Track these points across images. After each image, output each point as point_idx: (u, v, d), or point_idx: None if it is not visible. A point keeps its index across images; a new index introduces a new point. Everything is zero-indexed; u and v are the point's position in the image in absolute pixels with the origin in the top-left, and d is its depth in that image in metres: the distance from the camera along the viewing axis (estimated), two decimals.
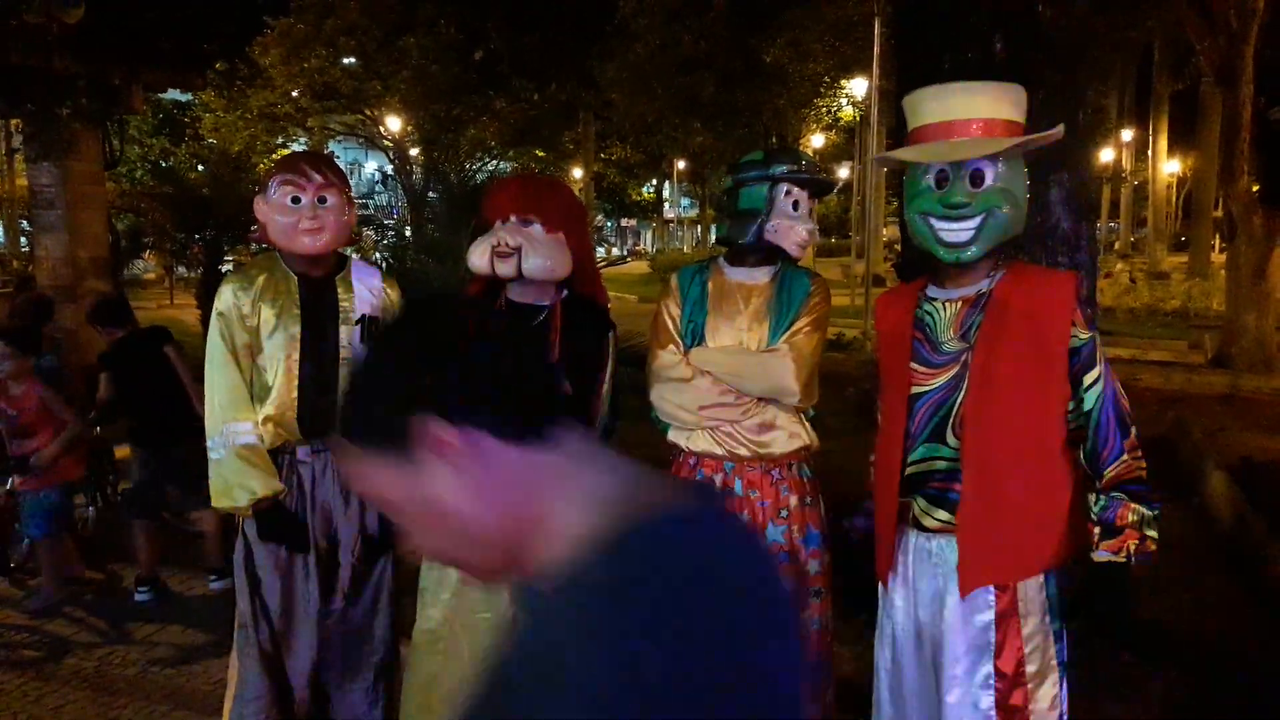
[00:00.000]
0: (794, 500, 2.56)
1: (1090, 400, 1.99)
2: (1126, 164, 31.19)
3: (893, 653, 2.21)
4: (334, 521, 2.72)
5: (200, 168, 17.69)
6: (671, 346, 2.62)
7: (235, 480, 2.57)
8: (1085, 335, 1.97)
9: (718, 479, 2.57)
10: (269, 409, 2.61)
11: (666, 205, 48.78)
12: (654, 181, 38.35)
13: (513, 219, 2.57)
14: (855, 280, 18.53)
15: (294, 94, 19.48)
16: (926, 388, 2.05)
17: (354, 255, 2.88)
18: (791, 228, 2.56)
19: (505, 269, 2.54)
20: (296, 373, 2.62)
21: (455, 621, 2.65)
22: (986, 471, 1.97)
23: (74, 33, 7.69)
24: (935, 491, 2.05)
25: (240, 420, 2.59)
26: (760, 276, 2.61)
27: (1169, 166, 29.61)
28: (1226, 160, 10.59)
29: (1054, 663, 2.03)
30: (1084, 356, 1.97)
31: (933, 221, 2.02)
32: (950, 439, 2.02)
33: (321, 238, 2.61)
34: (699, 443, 2.58)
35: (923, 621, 2.11)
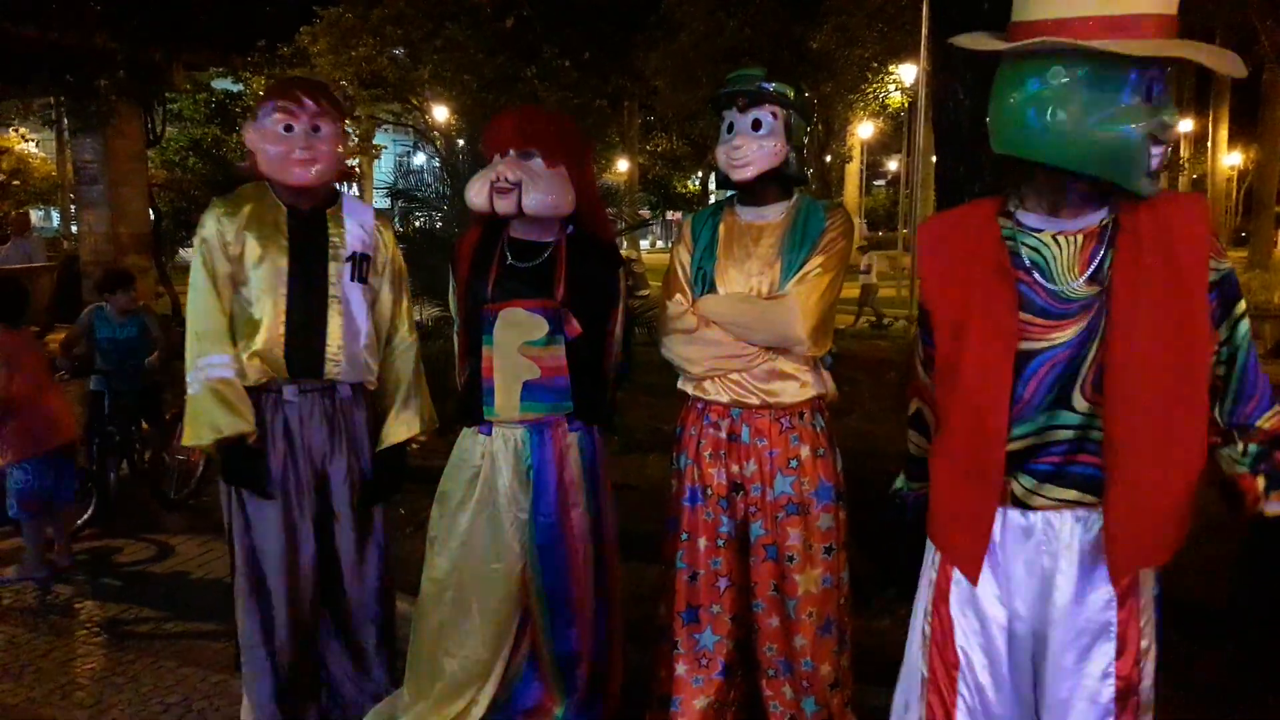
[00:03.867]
0: (805, 451, 2.41)
1: (1240, 336, 1.65)
2: (1184, 155, 30.33)
3: (969, 650, 1.83)
4: (323, 465, 2.61)
5: None
6: (679, 296, 2.49)
7: (205, 417, 2.45)
8: (1226, 265, 1.64)
9: (724, 425, 2.43)
10: (256, 344, 2.49)
11: (712, 198, 48.62)
12: (699, 174, 38.11)
13: (512, 152, 2.43)
14: (902, 273, 18.26)
15: (342, 83, 19.68)
16: (1045, 343, 1.65)
17: (348, 192, 2.74)
18: (725, 154, 2.40)
19: (505, 205, 2.40)
20: (284, 308, 2.49)
21: (464, 571, 2.57)
22: (1137, 440, 1.62)
23: (114, 11, 7.75)
24: (1050, 467, 1.69)
25: (216, 353, 2.47)
26: (771, 215, 2.45)
27: (1229, 159, 28.75)
28: None
29: (1156, 633, 1.77)
30: (1228, 288, 1.64)
31: (1152, 147, 1.57)
32: (1079, 403, 1.65)
33: (313, 169, 2.48)
34: (706, 389, 2.45)
35: (1019, 611, 1.77)
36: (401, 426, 2.69)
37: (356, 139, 29.12)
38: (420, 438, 2.75)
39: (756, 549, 2.44)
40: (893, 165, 38.25)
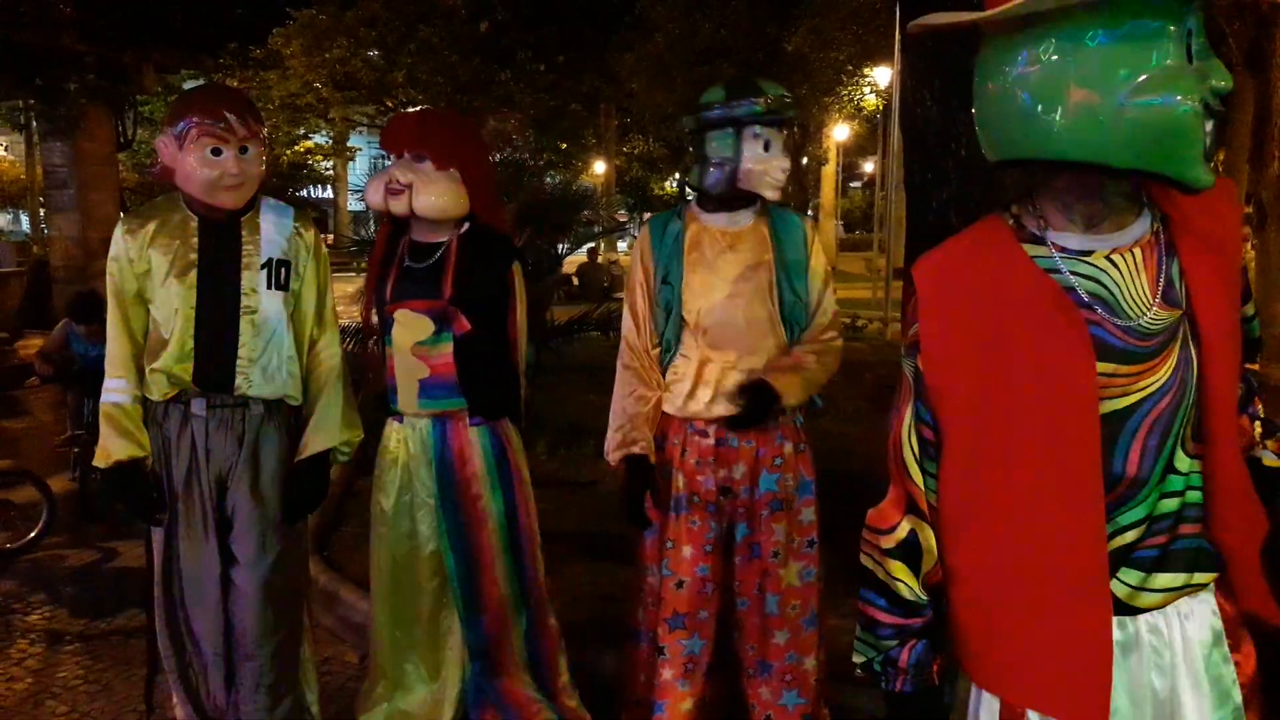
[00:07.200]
0: (788, 447, 2.48)
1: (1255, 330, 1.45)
2: None
3: None
4: (231, 483, 2.49)
5: None
6: (643, 350, 2.51)
7: (101, 441, 2.44)
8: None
9: (711, 431, 2.46)
10: (166, 361, 2.41)
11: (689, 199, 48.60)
12: (677, 176, 38.16)
13: (405, 155, 2.55)
14: (877, 274, 18.38)
15: (316, 85, 19.55)
16: (1138, 395, 1.25)
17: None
18: (765, 171, 2.39)
19: (398, 206, 2.53)
20: (193, 321, 2.41)
21: (397, 555, 2.70)
22: (1238, 480, 1.31)
23: (83, 12, 7.68)
24: (1157, 550, 1.28)
25: (112, 377, 2.45)
26: (744, 220, 2.48)
27: None
28: (1256, 146, 10.39)
29: None
30: (1246, 285, 1.39)
31: (1205, 121, 1.15)
32: (1182, 462, 1.28)
33: (245, 193, 2.42)
34: (688, 407, 2.48)
35: None
36: (319, 436, 2.55)
37: (330, 141, 29.03)
38: (343, 449, 2.61)
39: (741, 548, 2.47)
40: (868, 167, 38.43)
